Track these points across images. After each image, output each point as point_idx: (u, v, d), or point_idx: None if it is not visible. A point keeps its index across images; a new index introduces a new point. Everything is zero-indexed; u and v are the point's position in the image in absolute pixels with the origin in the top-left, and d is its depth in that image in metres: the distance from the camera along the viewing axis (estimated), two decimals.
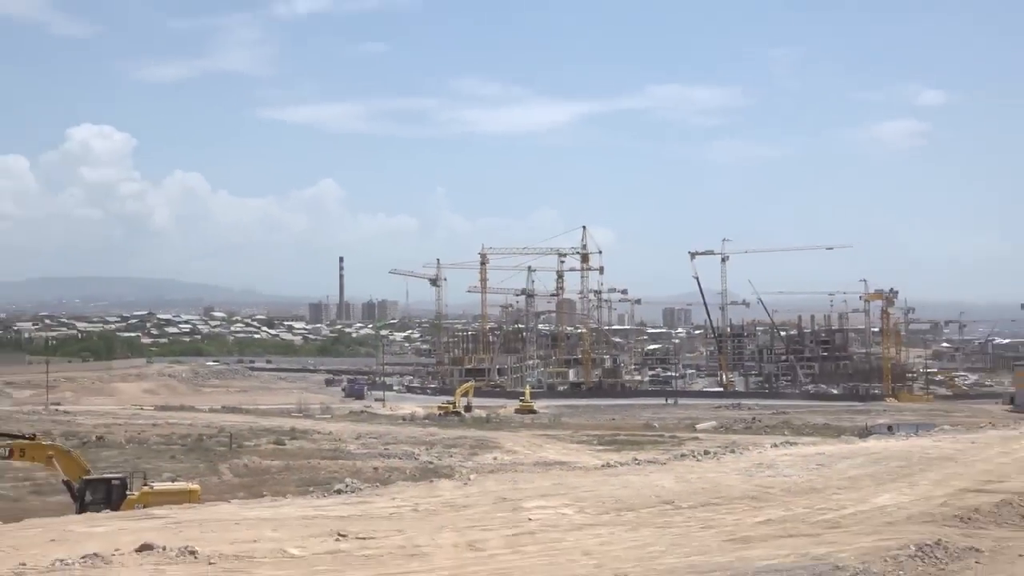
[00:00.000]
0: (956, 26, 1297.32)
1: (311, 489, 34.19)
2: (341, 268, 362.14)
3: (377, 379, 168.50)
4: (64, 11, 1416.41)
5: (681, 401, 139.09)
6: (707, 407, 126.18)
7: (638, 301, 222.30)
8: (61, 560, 16.21)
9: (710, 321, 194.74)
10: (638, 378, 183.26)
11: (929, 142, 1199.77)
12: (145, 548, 17.15)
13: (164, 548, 17.08)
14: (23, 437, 36.00)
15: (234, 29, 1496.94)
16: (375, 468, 53.98)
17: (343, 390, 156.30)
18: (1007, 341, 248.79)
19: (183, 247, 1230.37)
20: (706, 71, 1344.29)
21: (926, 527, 20.69)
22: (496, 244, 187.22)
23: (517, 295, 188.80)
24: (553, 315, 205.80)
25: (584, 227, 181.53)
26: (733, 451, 36.93)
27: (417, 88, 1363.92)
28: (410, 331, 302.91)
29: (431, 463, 57.17)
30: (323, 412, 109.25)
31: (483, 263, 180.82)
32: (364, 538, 18.73)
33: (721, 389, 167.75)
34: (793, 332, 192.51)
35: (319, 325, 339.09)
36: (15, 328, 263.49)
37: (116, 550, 16.96)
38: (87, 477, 32.50)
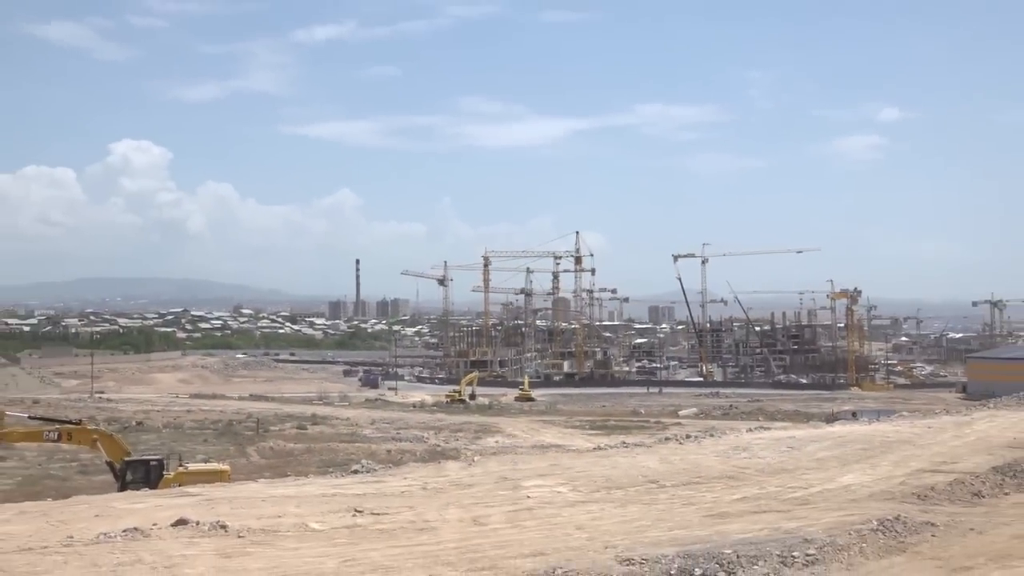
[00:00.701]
0: (911, 52, 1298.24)
1: (330, 469, 34.21)
2: (357, 270, 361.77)
3: (390, 370, 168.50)
4: (106, 38, 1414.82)
5: (665, 390, 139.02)
6: (688, 395, 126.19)
7: (626, 299, 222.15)
8: (105, 533, 16.23)
9: (691, 317, 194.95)
10: (626, 369, 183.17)
11: (887, 155, 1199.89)
12: (180, 523, 17.18)
13: (197, 523, 17.10)
14: (71, 423, 36.06)
15: (260, 54, 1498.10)
16: (388, 450, 53.93)
17: (359, 380, 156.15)
18: (960, 335, 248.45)
19: (215, 251, 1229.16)
20: (687, 91, 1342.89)
21: (886, 504, 20.68)
22: (498, 248, 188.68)
23: (517, 294, 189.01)
24: (549, 312, 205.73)
25: (577, 232, 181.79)
26: (712, 435, 36.88)
27: (425, 107, 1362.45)
28: (420, 327, 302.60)
29: (439, 446, 57.13)
30: (341, 400, 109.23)
31: (486, 265, 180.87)
32: (378, 514, 18.74)
33: (701, 379, 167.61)
34: (766, 327, 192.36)
35: (337, 321, 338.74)
36: (63, 324, 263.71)
37: (154, 524, 16.98)
38: (128, 459, 32.51)
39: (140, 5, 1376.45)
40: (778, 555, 15.34)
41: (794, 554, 15.51)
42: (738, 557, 14.97)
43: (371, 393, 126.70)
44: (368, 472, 27.24)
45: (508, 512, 19.43)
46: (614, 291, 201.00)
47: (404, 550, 15.55)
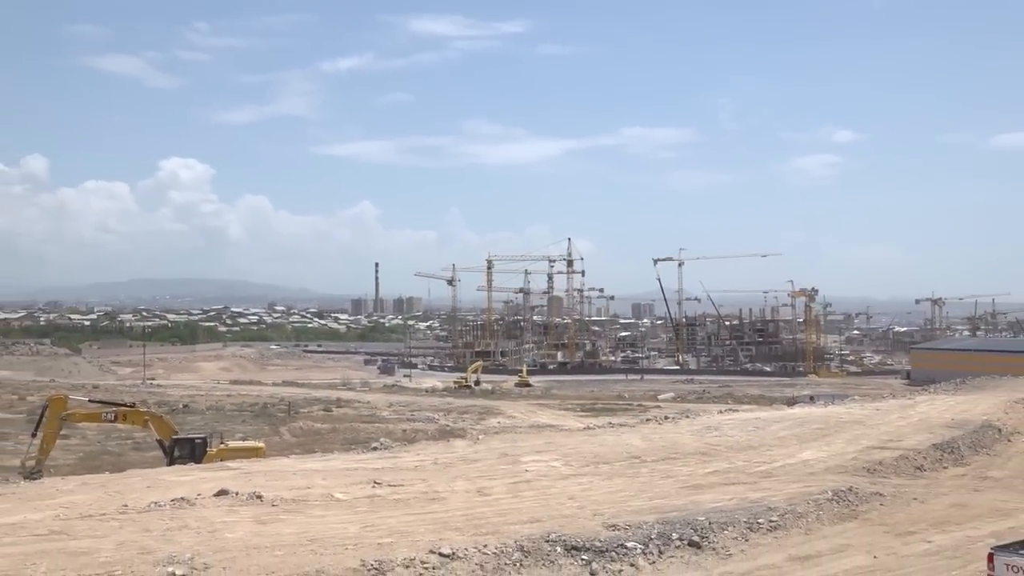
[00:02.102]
0: (863, 81, 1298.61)
1: (353, 447, 34.15)
2: (376, 271, 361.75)
3: (405, 359, 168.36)
4: (158, 69, 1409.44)
5: (646, 377, 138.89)
6: (667, 382, 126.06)
7: (612, 297, 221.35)
8: (155, 502, 16.23)
9: (669, 313, 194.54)
10: (612, 359, 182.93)
11: (841, 172, 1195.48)
12: (222, 493, 17.17)
13: (237, 493, 17.09)
14: (125, 405, 36.01)
15: (292, 82, 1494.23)
16: (403, 430, 53.84)
17: (378, 368, 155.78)
18: (904, 329, 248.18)
19: (251, 255, 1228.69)
20: (666, 115, 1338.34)
21: (840, 476, 20.69)
22: (499, 252, 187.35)
23: (516, 293, 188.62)
24: (545, 308, 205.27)
25: (569, 239, 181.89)
26: (687, 416, 36.88)
27: (435, 129, 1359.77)
28: (431, 321, 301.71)
29: (448, 426, 57.04)
30: (362, 385, 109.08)
31: (489, 267, 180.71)
32: (395, 485, 18.73)
33: (678, 367, 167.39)
34: (735, 322, 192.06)
35: (359, 316, 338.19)
36: (119, 319, 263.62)
37: (198, 494, 16.97)
38: (176, 437, 32.46)
39: (187, 40, 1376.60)
40: (745, 522, 15.35)
41: (759, 521, 15.52)
42: (710, 523, 14.97)
43: (388, 380, 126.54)
44: (386, 449, 27.23)
45: (508, 484, 19.42)
46: (601, 290, 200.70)
47: (417, 517, 15.54)
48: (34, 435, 31.74)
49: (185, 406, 68.35)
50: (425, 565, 12.16)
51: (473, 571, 12.34)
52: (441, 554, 12.58)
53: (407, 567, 12.03)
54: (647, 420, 36.76)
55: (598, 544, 13.50)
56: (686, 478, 20.52)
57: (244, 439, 38.62)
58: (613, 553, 13.30)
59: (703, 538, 14.27)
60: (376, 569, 11.82)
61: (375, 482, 18.97)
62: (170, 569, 11.54)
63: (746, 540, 14.54)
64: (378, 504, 16.72)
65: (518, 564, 12.68)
